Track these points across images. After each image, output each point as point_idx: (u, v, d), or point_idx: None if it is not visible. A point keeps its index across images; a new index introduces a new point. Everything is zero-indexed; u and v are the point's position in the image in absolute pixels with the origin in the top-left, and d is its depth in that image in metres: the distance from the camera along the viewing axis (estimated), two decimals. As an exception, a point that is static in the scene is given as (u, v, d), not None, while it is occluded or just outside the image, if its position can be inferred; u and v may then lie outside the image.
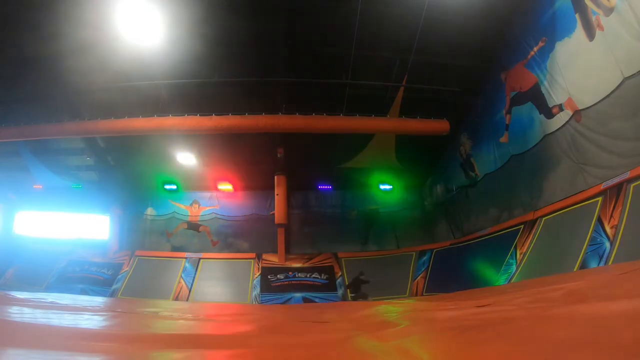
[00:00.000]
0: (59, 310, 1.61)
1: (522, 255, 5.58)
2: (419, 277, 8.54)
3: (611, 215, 4.07)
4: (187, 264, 9.40)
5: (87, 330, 0.98)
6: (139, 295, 8.26)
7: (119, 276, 9.11)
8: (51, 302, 1.92)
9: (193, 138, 8.05)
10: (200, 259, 9.60)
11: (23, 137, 7.42)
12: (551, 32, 5.28)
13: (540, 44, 5.53)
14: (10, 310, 1.52)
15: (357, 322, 1.20)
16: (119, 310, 1.95)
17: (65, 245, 9.93)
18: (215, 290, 8.86)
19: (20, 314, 1.43)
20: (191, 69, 6.77)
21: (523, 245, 5.70)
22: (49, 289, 8.44)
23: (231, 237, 10.53)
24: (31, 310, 1.56)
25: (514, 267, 5.62)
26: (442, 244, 8.89)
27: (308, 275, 9.09)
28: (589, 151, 4.77)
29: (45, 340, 0.74)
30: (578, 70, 4.88)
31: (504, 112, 6.67)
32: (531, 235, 5.62)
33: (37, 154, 9.14)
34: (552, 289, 1.39)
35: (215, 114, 6.76)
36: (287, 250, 9.65)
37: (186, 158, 9.02)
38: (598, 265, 3.92)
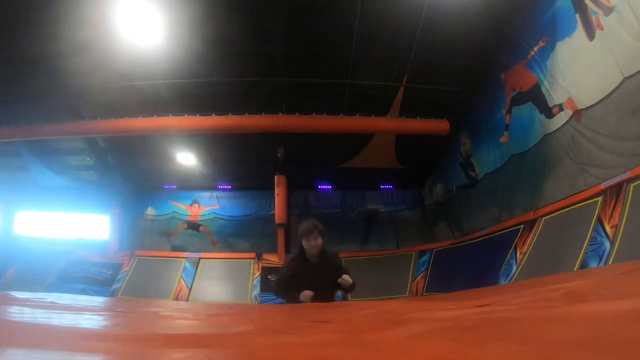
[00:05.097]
0: (59, 310, 1.61)
1: (522, 255, 5.58)
2: (419, 277, 8.55)
3: (611, 215, 4.07)
4: (187, 264, 9.40)
5: (87, 330, 0.99)
6: (139, 295, 8.26)
7: (119, 276, 9.11)
8: (51, 302, 1.92)
9: (193, 138, 8.06)
10: (200, 258, 9.60)
11: (23, 137, 7.43)
12: (552, 32, 5.28)
13: (541, 43, 5.52)
14: (10, 310, 1.52)
15: (358, 322, 1.21)
16: (119, 310, 1.94)
17: (65, 245, 9.93)
18: (215, 290, 8.87)
19: (20, 314, 1.43)
20: (191, 69, 6.77)
21: (523, 245, 5.70)
22: (49, 289, 8.43)
23: (231, 237, 10.54)
24: (31, 310, 1.56)
25: (514, 267, 5.62)
26: (442, 244, 8.88)
27: (308, 275, 9.08)
28: (589, 151, 4.77)
29: (45, 340, 0.74)
30: (578, 70, 4.88)
31: (504, 112, 6.67)
32: (531, 235, 5.62)
33: (37, 154, 9.14)
34: (552, 289, 1.39)
35: (215, 114, 6.76)
36: (287, 250, 9.65)
37: (186, 158, 9.03)
38: (598, 265, 3.92)
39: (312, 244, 2.88)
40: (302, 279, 2.79)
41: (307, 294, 2.64)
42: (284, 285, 2.98)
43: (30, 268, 9.13)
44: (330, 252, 3.06)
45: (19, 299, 2.10)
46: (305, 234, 2.89)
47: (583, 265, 4.13)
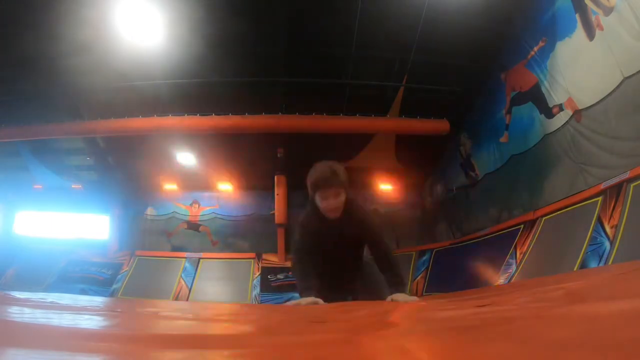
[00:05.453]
0: (59, 310, 1.61)
1: (522, 255, 5.58)
2: (418, 277, 8.55)
3: (611, 215, 4.07)
4: (187, 264, 9.40)
5: (87, 330, 0.99)
6: (139, 295, 8.26)
7: (119, 276, 9.11)
8: (51, 302, 1.92)
9: (193, 138, 8.06)
10: (200, 258, 9.60)
11: (23, 137, 7.44)
12: (552, 32, 5.28)
13: (541, 43, 5.53)
14: (10, 310, 1.52)
15: (356, 322, 1.21)
16: (119, 310, 1.94)
17: (65, 245, 9.93)
18: (215, 290, 8.87)
19: (20, 314, 1.43)
20: (191, 69, 6.78)
21: (523, 245, 5.70)
22: (49, 289, 8.44)
23: (231, 237, 10.53)
24: (31, 310, 1.56)
25: (514, 267, 5.62)
26: (442, 244, 8.89)
27: (308, 275, 9.08)
28: (589, 151, 4.78)
29: (45, 340, 0.74)
30: (578, 70, 4.88)
31: (504, 112, 6.68)
32: (531, 235, 5.62)
33: (37, 154, 9.14)
34: (552, 289, 1.39)
35: (215, 114, 6.77)
36: (287, 250, 9.66)
37: (186, 158, 9.03)
38: (598, 265, 3.92)
39: (331, 205, 1.95)
40: (324, 243, 2.06)
41: (309, 300, 1.92)
42: (304, 254, 2.11)
43: (30, 268, 9.13)
44: (350, 203, 2.09)
45: (19, 299, 2.10)
46: (321, 188, 1.94)
47: (583, 265, 4.13)
